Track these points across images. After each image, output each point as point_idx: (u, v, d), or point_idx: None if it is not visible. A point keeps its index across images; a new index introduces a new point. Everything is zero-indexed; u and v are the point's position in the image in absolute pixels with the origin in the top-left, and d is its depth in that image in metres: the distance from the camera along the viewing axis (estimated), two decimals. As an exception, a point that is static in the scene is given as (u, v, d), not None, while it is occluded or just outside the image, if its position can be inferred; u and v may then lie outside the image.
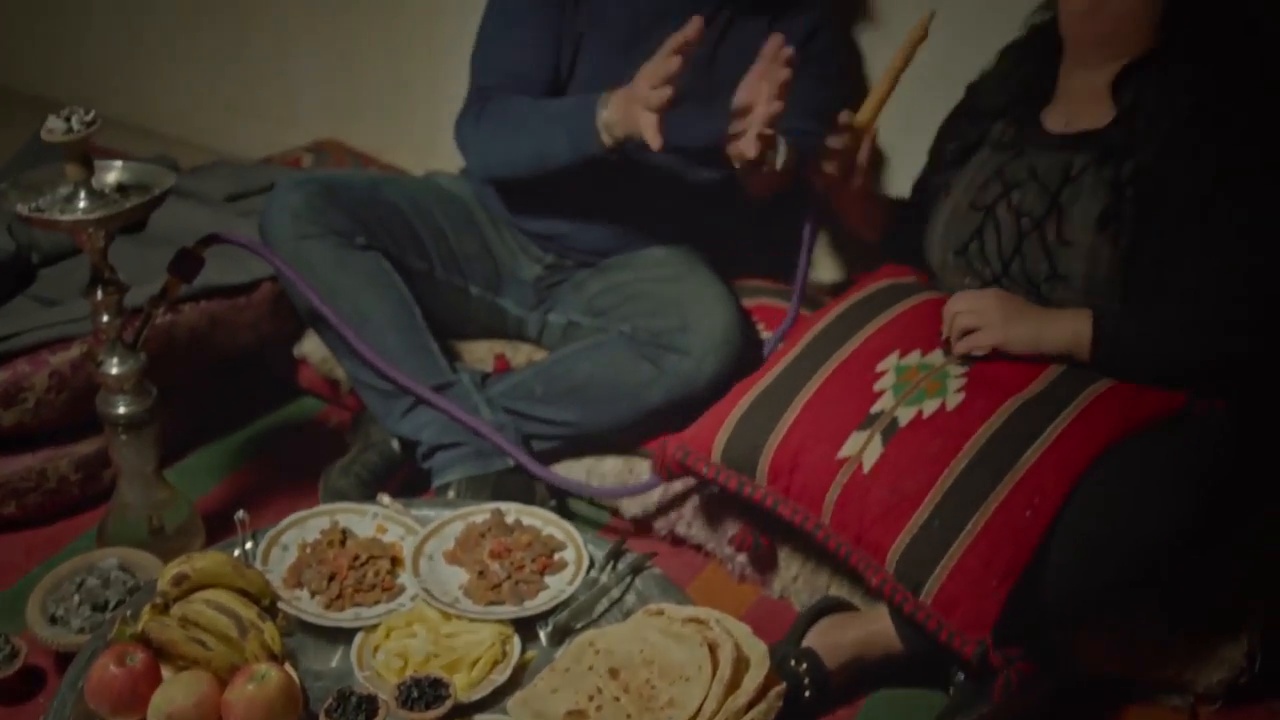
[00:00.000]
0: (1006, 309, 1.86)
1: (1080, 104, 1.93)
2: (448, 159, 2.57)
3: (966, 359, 1.88)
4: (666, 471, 2.03)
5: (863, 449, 1.83)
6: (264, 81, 3.30)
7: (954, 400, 1.83)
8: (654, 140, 1.93)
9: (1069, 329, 1.83)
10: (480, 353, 2.35)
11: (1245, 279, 1.78)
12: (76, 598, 1.89)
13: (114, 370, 1.94)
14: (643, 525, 2.17)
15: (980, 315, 1.86)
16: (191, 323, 2.31)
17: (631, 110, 1.97)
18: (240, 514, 1.84)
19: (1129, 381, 1.81)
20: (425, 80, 3.00)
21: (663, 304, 2.15)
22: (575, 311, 2.30)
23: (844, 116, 1.99)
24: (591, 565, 1.84)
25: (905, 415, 1.83)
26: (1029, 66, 2.00)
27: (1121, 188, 1.83)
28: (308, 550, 1.85)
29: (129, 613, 1.70)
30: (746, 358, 2.11)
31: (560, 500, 2.18)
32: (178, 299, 2.16)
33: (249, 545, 1.84)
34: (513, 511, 1.92)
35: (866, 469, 1.82)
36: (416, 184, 2.40)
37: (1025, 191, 1.92)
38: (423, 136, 3.01)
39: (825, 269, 2.58)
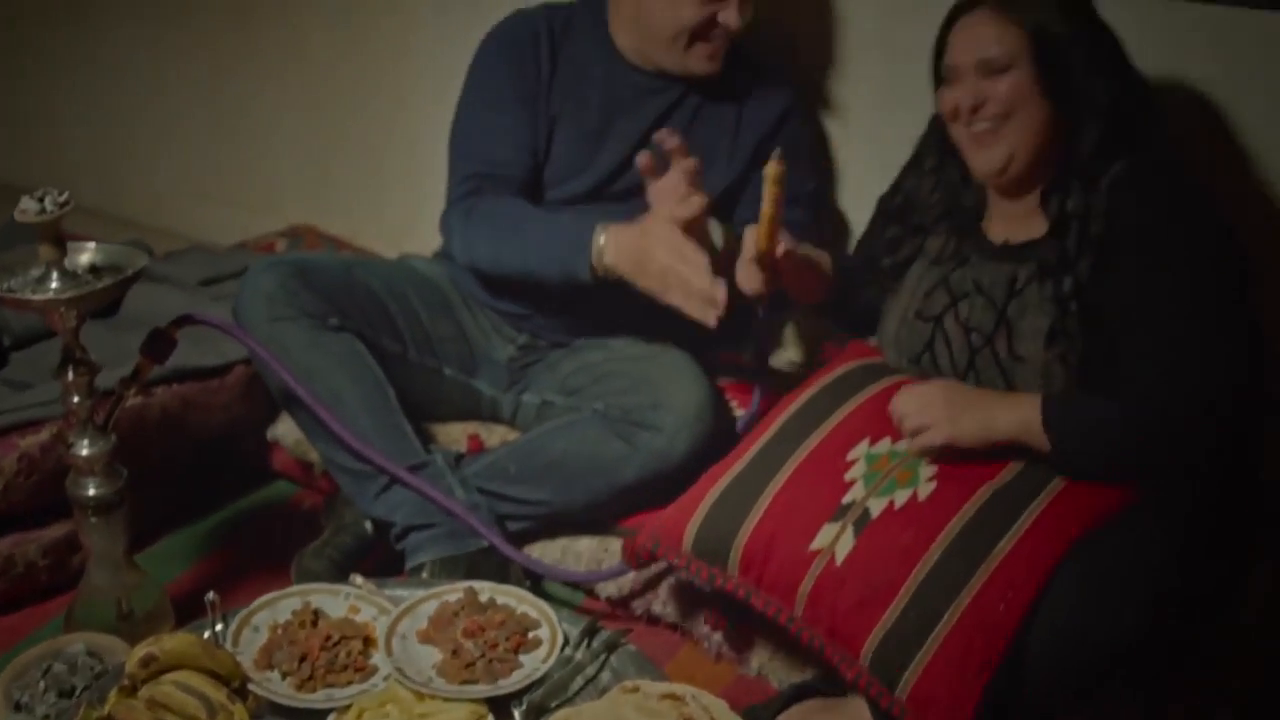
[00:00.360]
0: (952, 403, 1.81)
1: (1013, 220, 1.91)
2: (422, 243, 2.59)
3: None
4: (636, 560, 2.02)
5: (835, 541, 1.81)
6: (238, 168, 3.33)
7: (925, 490, 1.80)
8: (711, 319, 1.92)
9: (1019, 413, 1.78)
10: (454, 434, 2.35)
11: (1188, 377, 1.73)
12: (42, 684, 1.85)
13: (84, 452, 1.93)
14: (618, 604, 2.15)
15: (925, 413, 1.81)
16: (164, 405, 2.30)
17: (661, 275, 1.96)
18: (210, 595, 1.81)
19: (1078, 475, 1.76)
20: (399, 166, 3.03)
21: (635, 382, 2.16)
22: (549, 391, 2.30)
23: (747, 236, 1.96)
24: (566, 643, 1.83)
25: (877, 506, 1.81)
26: (953, 173, 1.97)
27: (1065, 302, 1.80)
28: (279, 631, 1.83)
29: (95, 697, 1.67)
30: (719, 435, 2.11)
31: (534, 579, 2.17)
32: (150, 381, 2.15)
33: (219, 627, 1.82)
34: (486, 590, 1.91)
35: (839, 561, 1.79)
36: (390, 266, 2.41)
37: (972, 304, 1.89)
38: (397, 221, 3.03)
39: (794, 348, 2.60)
